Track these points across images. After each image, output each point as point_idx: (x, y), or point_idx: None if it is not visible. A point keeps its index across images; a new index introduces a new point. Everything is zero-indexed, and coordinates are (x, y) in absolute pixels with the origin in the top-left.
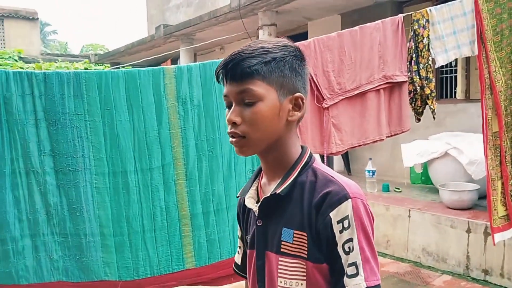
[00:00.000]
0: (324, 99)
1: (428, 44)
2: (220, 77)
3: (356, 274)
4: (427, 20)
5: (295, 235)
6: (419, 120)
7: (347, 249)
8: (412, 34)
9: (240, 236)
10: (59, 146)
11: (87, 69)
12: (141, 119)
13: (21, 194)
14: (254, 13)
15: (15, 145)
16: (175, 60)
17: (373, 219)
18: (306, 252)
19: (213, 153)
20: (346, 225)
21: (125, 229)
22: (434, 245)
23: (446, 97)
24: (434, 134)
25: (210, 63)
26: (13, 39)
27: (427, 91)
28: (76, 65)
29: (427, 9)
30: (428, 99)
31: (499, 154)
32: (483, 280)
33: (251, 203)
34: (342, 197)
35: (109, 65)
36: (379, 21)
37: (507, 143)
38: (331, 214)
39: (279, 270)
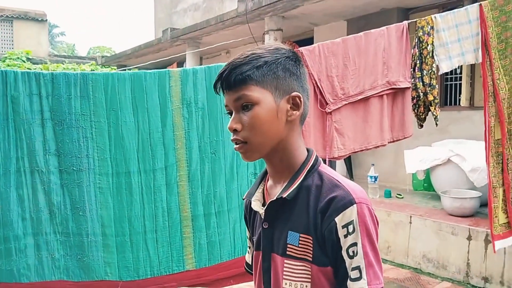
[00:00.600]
0: (327, 103)
1: (432, 51)
2: (218, 88)
3: (359, 278)
4: (432, 27)
5: (300, 238)
6: (421, 126)
7: (351, 253)
8: (416, 40)
9: (248, 237)
10: (64, 146)
11: (93, 70)
12: (146, 120)
13: (25, 193)
14: (260, 18)
15: (20, 144)
16: (181, 63)
17: (378, 224)
18: (311, 255)
19: (216, 156)
20: (351, 229)
21: (126, 229)
22: (434, 251)
23: (451, 104)
24: (438, 141)
25: (215, 67)
26: (22, 40)
27: (430, 98)
28: (83, 66)
29: (432, 16)
30: (431, 106)
31: (501, 162)
32: None
33: (257, 206)
34: (347, 202)
35: (115, 67)
36: (384, 27)
37: (509, 150)
38: (336, 219)
39: (284, 272)
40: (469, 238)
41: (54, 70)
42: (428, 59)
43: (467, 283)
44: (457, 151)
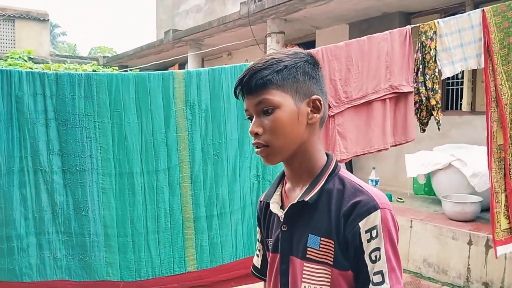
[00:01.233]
0: (330, 107)
1: (435, 56)
2: (238, 93)
3: (382, 282)
4: (435, 32)
5: (321, 242)
6: (424, 130)
7: (373, 258)
8: (419, 45)
9: (259, 239)
10: (68, 146)
11: (95, 71)
12: (149, 121)
13: (28, 192)
14: (263, 20)
15: (24, 144)
16: (182, 64)
17: (399, 229)
18: (332, 259)
19: (219, 157)
20: (374, 234)
21: (129, 230)
22: (435, 256)
23: (452, 108)
24: (439, 146)
25: (218, 69)
26: (24, 40)
27: (433, 102)
28: (85, 67)
29: (435, 21)
30: (434, 110)
31: (503, 167)
32: None
33: (276, 208)
34: (371, 207)
35: (117, 67)
36: (387, 32)
37: (511, 156)
38: (360, 224)
39: (304, 275)
40: (470, 243)
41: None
42: (431, 63)
43: None
44: (458, 155)
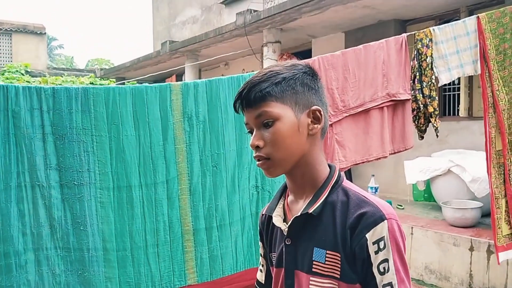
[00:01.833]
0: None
1: (432, 63)
2: (238, 107)
3: None
4: (431, 40)
5: (327, 255)
6: (422, 138)
7: (382, 270)
8: (415, 53)
9: (262, 254)
10: (65, 160)
11: (92, 83)
12: (147, 134)
13: (26, 208)
14: (259, 30)
15: (21, 159)
16: (180, 75)
17: (405, 239)
18: (339, 273)
19: (217, 169)
20: (381, 246)
21: (128, 244)
22: (436, 263)
23: (449, 114)
24: (437, 151)
25: (216, 80)
26: (21, 53)
27: (430, 109)
28: (82, 79)
29: (431, 28)
30: (432, 117)
31: (502, 172)
32: None
33: (279, 222)
34: (378, 218)
35: (114, 79)
36: (383, 40)
37: (510, 161)
38: (367, 235)
39: None
40: (471, 249)
41: (53, 83)
42: (427, 71)
43: None
44: (457, 161)
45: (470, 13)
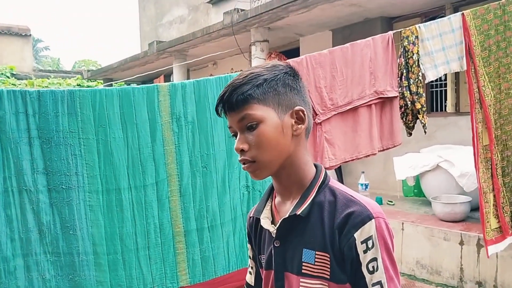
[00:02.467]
0: (316, 114)
1: (418, 60)
2: (220, 111)
3: None
4: (417, 37)
5: (317, 256)
6: (410, 134)
7: (371, 269)
8: (402, 50)
9: (251, 256)
10: (53, 164)
11: (79, 85)
12: (135, 136)
13: (14, 213)
14: (246, 29)
15: (8, 164)
16: (168, 76)
17: (393, 237)
18: (328, 273)
19: (207, 169)
20: (370, 245)
21: (118, 247)
22: (427, 257)
23: (437, 110)
24: (426, 147)
25: (203, 80)
26: (6, 56)
27: (418, 106)
28: (69, 81)
29: (417, 26)
30: (419, 114)
31: (490, 167)
32: None
33: (267, 224)
34: (365, 217)
35: (102, 81)
36: (369, 38)
37: (497, 156)
38: (355, 235)
39: None
40: (461, 243)
41: (39, 85)
42: (414, 68)
43: None
44: (445, 156)
45: (455, 10)
